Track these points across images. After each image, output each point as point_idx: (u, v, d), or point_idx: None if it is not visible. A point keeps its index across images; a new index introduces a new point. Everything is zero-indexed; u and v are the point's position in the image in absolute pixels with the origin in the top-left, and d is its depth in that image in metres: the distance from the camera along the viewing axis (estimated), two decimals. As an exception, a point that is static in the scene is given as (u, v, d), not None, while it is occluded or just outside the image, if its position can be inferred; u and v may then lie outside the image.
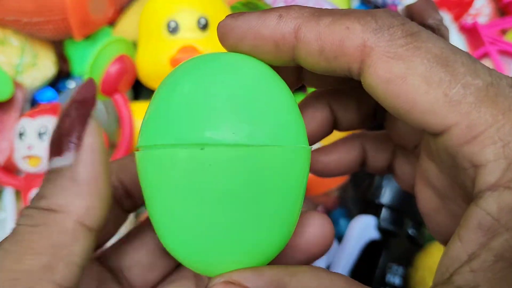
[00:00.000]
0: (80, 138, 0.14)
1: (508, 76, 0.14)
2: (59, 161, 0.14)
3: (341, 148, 0.20)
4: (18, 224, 0.14)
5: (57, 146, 0.14)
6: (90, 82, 0.15)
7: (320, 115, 0.19)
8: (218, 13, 0.41)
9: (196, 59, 0.16)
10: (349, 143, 0.21)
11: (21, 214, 0.14)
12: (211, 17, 0.40)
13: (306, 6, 0.15)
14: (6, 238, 0.14)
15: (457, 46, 0.14)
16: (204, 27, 0.39)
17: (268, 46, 0.15)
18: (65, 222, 0.13)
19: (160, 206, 0.15)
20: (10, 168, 0.42)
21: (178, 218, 0.15)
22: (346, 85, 0.19)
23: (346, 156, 0.20)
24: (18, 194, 0.43)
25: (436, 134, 0.14)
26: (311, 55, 0.15)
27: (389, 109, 0.15)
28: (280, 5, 0.49)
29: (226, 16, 0.16)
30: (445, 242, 0.18)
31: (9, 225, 0.42)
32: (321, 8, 0.15)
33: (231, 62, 0.16)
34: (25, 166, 0.39)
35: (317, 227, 0.17)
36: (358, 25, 0.14)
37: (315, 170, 0.21)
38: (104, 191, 0.14)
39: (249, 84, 0.15)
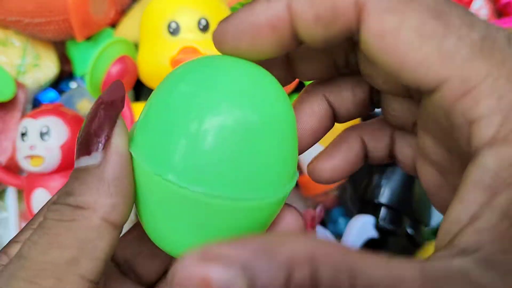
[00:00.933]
0: (108, 139, 0.14)
1: (505, 29, 0.14)
2: (87, 160, 0.14)
3: (342, 146, 0.20)
4: (46, 218, 0.14)
5: (85, 146, 0.14)
6: (119, 84, 0.15)
7: (318, 109, 0.19)
8: (219, 14, 0.41)
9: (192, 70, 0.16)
10: (347, 139, 0.20)
11: (49, 209, 0.15)
12: (212, 18, 0.40)
13: None
14: (35, 230, 0.14)
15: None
16: (204, 28, 0.40)
17: (266, 33, 0.15)
18: (92, 219, 0.14)
19: (150, 210, 0.16)
20: (12, 168, 0.43)
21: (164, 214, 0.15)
22: (338, 72, 0.19)
23: (349, 154, 0.20)
24: (20, 193, 0.44)
25: (430, 92, 0.14)
26: (308, 26, 0.15)
27: (384, 67, 0.14)
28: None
29: (218, 23, 0.16)
30: None
31: (12, 224, 0.42)
32: None
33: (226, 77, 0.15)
34: (27, 166, 0.40)
35: (289, 222, 0.17)
36: None
37: (322, 179, 0.20)
38: (129, 189, 0.15)
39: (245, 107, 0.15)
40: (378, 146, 0.20)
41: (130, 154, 0.15)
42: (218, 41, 0.16)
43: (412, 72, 0.14)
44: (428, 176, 0.18)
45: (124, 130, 0.15)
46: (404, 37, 0.13)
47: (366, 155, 0.20)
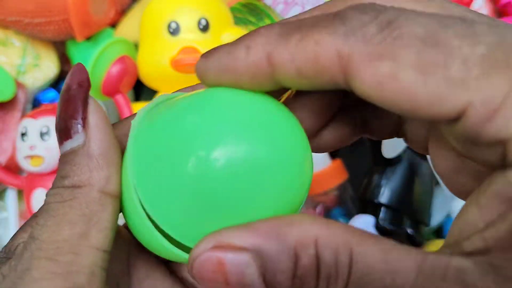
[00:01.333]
0: (85, 118, 0.15)
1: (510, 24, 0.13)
2: (71, 143, 0.15)
3: (336, 120, 0.18)
4: (48, 202, 0.15)
5: (65, 131, 0.15)
6: (80, 66, 0.16)
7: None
8: (219, 14, 0.41)
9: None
10: (343, 115, 0.18)
11: (48, 194, 0.15)
12: (212, 18, 0.40)
13: (274, 26, 0.15)
14: (40, 214, 0.15)
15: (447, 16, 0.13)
16: (204, 28, 0.40)
17: (246, 79, 0.15)
18: (90, 194, 0.15)
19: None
20: (12, 168, 0.43)
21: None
22: None
23: (342, 132, 0.18)
24: (21, 193, 0.44)
25: (451, 123, 0.13)
26: (291, 78, 0.14)
27: (394, 111, 0.13)
28: (280, 7, 0.49)
29: (200, 57, 0.16)
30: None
31: (12, 224, 0.42)
32: (288, 22, 0.14)
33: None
34: (27, 166, 0.40)
35: None
36: (326, 35, 0.13)
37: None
38: (117, 159, 0.16)
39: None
40: (382, 124, 0.19)
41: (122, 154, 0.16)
42: (200, 76, 0.16)
43: (426, 110, 0.12)
44: (443, 160, 0.16)
45: (97, 106, 0.16)
46: (405, 78, 0.12)
47: (365, 130, 0.19)
